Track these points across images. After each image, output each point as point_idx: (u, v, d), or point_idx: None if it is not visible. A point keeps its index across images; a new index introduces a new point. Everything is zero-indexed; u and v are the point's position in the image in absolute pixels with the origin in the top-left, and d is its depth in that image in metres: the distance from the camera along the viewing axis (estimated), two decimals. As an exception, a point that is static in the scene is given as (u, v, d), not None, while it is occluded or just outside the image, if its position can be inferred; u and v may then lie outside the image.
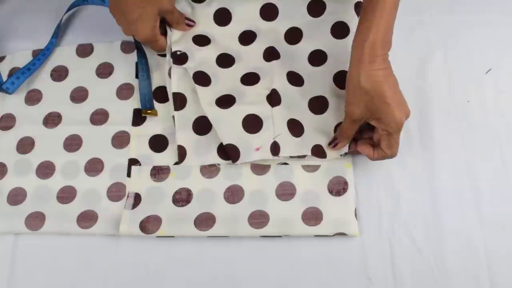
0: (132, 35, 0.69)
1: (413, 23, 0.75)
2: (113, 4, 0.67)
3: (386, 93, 0.59)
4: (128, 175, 0.69)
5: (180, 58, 0.72)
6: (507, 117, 0.69)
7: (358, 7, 0.73)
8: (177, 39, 0.74)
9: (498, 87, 0.71)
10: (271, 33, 0.74)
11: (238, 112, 0.68)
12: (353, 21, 0.73)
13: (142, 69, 0.73)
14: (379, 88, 0.59)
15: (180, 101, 0.70)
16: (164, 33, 0.73)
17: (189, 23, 0.74)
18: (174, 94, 0.70)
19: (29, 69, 0.75)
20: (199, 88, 0.69)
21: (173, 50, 0.72)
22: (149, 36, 0.69)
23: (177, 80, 0.71)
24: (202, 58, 0.72)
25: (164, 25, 0.73)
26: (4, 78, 0.76)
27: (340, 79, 0.70)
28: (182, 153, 0.68)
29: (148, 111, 0.71)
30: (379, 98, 0.59)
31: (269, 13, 0.74)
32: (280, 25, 0.74)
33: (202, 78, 0.70)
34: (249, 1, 0.75)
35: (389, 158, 0.63)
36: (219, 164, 0.68)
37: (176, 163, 0.69)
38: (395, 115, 0.59)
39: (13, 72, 0.76)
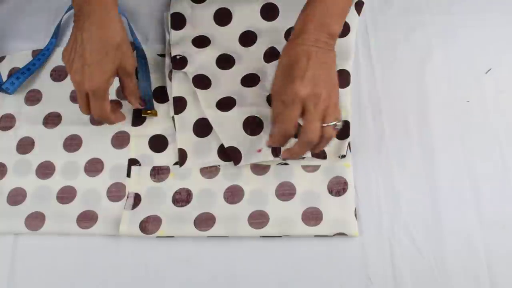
0: (78, 81, 0.60)
1: (413, 23, 0.75)
2: (71, 43, 0.60)
3: (298, 64, 0.57)
4: (128, 175, 0.69)
5: (179, 63, 0.72)
6: (507, 117, 0.69)
7: (358, 6, 0.74)
8: (177, 42, 0.74)
9: (498, 87, 0.71)
10: (271, 33, 0.74)
11: (238, 115, 0.67)
12: (353, 20, 0.73)
13: (142, 69, 0.72)
14: (293, 59, 0.58)
15: (180, 105, 0.70)
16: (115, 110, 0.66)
17: (142, 103, 0.68)
18: (175, 98, 0.70)
19: (29, 69, 0.75)
20: (199, 92, 0.70)
21: (172, 54, 0.73)
22: (102, 85, 0.60)
23: (177, 84, 0.71)
24: (202, 61, 0.72)
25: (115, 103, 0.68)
26: (4, 78, 0.76)
27: (340, 77, 0.70)
28: (182, 156, 0.68)
29: (148, 112, 0.71)
30: (290, 69, 0.57)
31: (269, 13, 0.74)
32: (281, 25, 0.74)
33: (202, 81, 0.70)
34: (249, 1, 0.75)
35: (305, 148, 0.60)
36: (219, 165, 0.68)
37: (176, 164, 0.69)
38: (295, 85, 0.57)
39: (13, 72, 0.76)
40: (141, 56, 0.73)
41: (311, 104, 0.57)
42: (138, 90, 0.67)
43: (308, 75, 0.57)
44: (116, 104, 0.69)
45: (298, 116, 0.58)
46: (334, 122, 0.59)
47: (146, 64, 0.73)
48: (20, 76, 0.74)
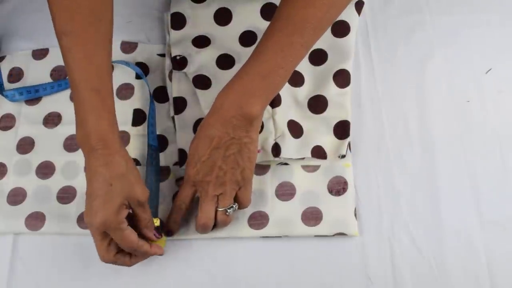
0: (88, 221, 0.57)
1: (413, 23, 0.75)
2: (86, 171, 0.58)
3: (199, 148, 0.59)
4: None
5: (180, 63, 0.72)
6: (507, 117, 0.69)
7: (358, 6, 0.74)
8: (177, 42, 0.74)
9: (498, 87, 0.71)
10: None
11: None
12: (353, 20, 0.73)
13: (151, 174, 0.67)
14: (198, 141, 0.59)
15: (180, 105, 0.70)
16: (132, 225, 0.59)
17: (157, 235, 0.62)
18: (175, 98, 0.70)
19: (37, 91, 0.73)
20: (199, 92, 0.70)
21: (172, 54, 0.72)
22: (110, 217, 0.56)
23: (177, 84, 0.71)
24: (202, 61, 0.72)
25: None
26: (4, 78, 0.76)
27: (340, 77, 0.70)
28: (182, 156, 0.68)
29: (157, 239, 0.62)
30: (193, 149, 0.59)
31: (269, 12, 0.74)
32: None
33: (202, 81, 0.70)
34: (250, 0, 0.75)
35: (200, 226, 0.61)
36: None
37: (176, 164, 0.69)
38: (188, 168, 0.60)
39: (13, 72, 0.76)
40: (151, 156, 0.68)
41: (202, 189, 0.60)
42: (152, 222, 0.61)
43: (202, 163, 0.59)
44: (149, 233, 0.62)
45: (189, 196, 0.62)
46: (224, 208, 0.61)
47: (156, 165, 0.68)
48: (24, 93, 0.73)
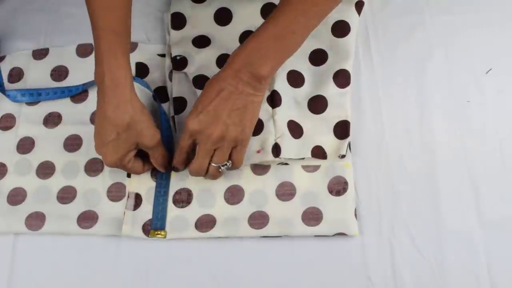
0: (101, 155, 0.63)
1: (413, 23, 0.75)
2: (96, 119, 0.62)
3: (204, 98, 0.60)
4: (128, 175, 0.69)
5: (180, 63, 0.72)
6: (507, 117, 0.69)
7: (358, 6, 0.74)
8: (177, 42, 0.74)
9: (498, 87, 0.71)
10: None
11: None
12: (353, 20, 0.73)
13: (165, 135, 0.68)
14: (205, 91, 0.60)
15: (180, 105, 0.70)
16: (142, 158, 0.65)
17: (167, 169, 0.67)
18: (175, 98, 0.70)
19: (40, 95, 0.73)
20: (199, 92, 0.69)
21: (173, 54, 0.73)
22: (115, 164, 0.63)
23: (177, 84, 0.71)
24: (202, 61, 0.72)
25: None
26: (5, 78, 0.76)
27: (340, 77, 0.70)
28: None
29: (157, 233, 0.65)
30: (198, 99, 0.61)
31: (269, 12, 0.74)
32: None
33: (202, 82, 0.70)
34: (250, 0, 0.75)
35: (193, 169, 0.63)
36: (219, 165, 0.68)
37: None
38: (189, 118, 0.60)
39: (13, 72, 0.76)
40: (165, 120, 0.70)
41: (201, 141, 0.61)
42: (164, 161, 0.66)
43: (206, 112, 0.60)
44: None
45: (187, 146, 0.63)
46: (218, 164, 0.62)
47: (169, 130, 0.70)
48: (27, 95, 0.73)
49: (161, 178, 0.68)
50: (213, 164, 0.62)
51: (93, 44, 0.62)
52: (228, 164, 0.63)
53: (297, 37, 0.59)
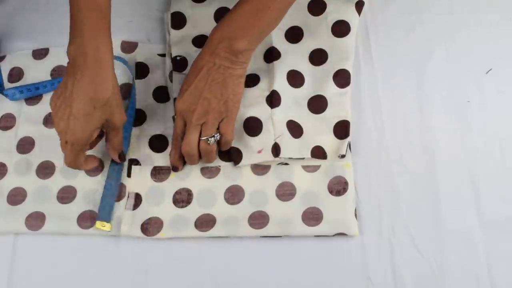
0: (61, 130, 0.60)
1: (413, 22, 0.75)
2: (61, 89, 0.60)
3: (187, 79, 0.63)
4: (129, 175, 0.69)
5: (180, 64, 0.72)
6: (507, 117, 0.69)
7: (358, 6, 0.74)
8: (177, 41, 0.74)
9: (498, 87, 0.71)
10: (272, 32, 0.73)
11: (238, 116, 0.67)
12: (354, 20, 0.73)
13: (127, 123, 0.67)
14: (188, 72, 0.63)
15: None
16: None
17: (121, 158, 0.67)
18: (175, 99, 0.70)
19: (37, 89, 0.74)
20: None
21: (173, 54, 0.72)
22: (83, 138, 0.60)
23: (178, 85, 0.71)
24: (202, 61, 0.72)
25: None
26: (5, 78, 0.76)
27: (340, 77, 0.70)
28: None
29: (103, 225, 0.66)
30: (183, 81, 0.64)
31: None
32: (281, 24, 0.74)
33: None
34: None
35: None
36: (219, 165, 0.68)
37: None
38: (177, 100, 0.63)
39: (13, 72, 0.76)
40: (131, 108, 0.71)
41: (187, 118, 0.64)
42: (121, 146, 0.67)
43: (189, 91, 0.63)
44: (92, 158, 0.67)
45: (180, 130, 0.65)
46: (206, 137, 0.63)
47: (131, 117, 0.71)
48: (25, 91, 0.73)
49: (112, 170, 0.68)
50: (202, 138, 0.64)
51: (70, 20, 0.60)
52: (216, 136, 0.64)
53: (272, 13, 0.61)
